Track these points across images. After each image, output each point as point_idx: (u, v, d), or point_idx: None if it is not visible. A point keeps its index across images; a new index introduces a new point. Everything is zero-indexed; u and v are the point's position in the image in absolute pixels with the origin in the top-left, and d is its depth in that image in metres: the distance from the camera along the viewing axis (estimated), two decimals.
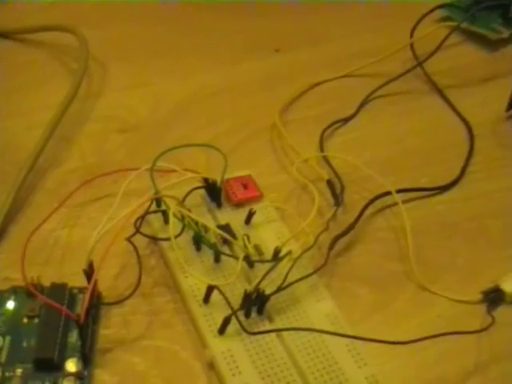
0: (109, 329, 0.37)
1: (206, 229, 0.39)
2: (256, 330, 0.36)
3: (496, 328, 0.38)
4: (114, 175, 0.43)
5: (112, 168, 0.44)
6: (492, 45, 0.59)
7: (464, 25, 0.58)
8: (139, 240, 0.40)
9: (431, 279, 0.40)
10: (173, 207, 0.38)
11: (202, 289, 0.37)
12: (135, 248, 0.39)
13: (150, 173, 0.39)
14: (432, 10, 0.57)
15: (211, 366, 0.36)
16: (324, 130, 0.49)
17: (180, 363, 0.36)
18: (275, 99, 0.51)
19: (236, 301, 0.37)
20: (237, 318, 0.36)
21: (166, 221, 0.40)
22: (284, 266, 0.38)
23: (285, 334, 0.36)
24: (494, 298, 0.40)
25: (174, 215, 0.38)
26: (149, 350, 0.37)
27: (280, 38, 0.58)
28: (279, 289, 0.37)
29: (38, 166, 0.45)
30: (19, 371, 0.35)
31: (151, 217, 0.41)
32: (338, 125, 0.50)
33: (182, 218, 0.39)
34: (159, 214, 0.41)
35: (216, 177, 0.42)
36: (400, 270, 0.41)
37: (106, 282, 0.39)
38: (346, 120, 0.51)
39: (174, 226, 0.38)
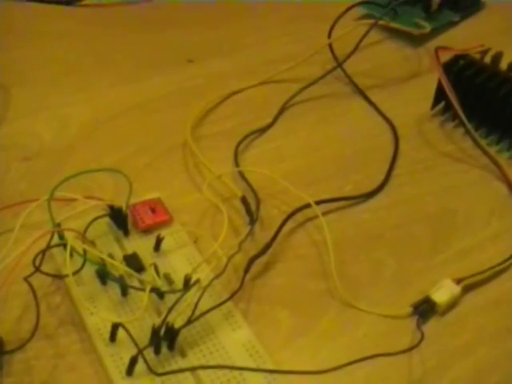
0: (11, 377, 0.34)
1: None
2: (167, 368, 0.34)
3: (427, 342, 0.36)
4: (15, 208, 0.40)
5: (15, 199, 0.41)
6: (416, 41, 0.57)
7: (385, 21, 0.56)
8: (43, 276, 0.37)
9: (357, 295, 0.38)
10: (71, 241, 0.36)
11: (109, 326, 0.35)
12: (32, 288, 0.36)
13: (47, 203, 0.36)
14: (349, 9, 0.54)
15: None
16: (238, 144, 0.46)
17: None
18: (187, 114, 0.48)
19: (146, 336, 0.34)
20: (143, 357, 0.33)
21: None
22: (194, 295, 0.35)
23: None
24: (424, 309, 0.37)
25: (74, 249, 0.36)
26: None
27: (191, 51, 0.56)
28: (190, 320, 0.34)
29: None
30: None
31: (55, 250, 0.38)
32: (253, 136, 0.48)
33: (85, 252, 0.36)
34: (62, 248, 0.38)
35: (123, 203, 0.39)
36: (323, 288, 0.39)
37: (6, 325, 0.36)
38: (262, 130, 0.48)
39: (76, 259, 0.36)
